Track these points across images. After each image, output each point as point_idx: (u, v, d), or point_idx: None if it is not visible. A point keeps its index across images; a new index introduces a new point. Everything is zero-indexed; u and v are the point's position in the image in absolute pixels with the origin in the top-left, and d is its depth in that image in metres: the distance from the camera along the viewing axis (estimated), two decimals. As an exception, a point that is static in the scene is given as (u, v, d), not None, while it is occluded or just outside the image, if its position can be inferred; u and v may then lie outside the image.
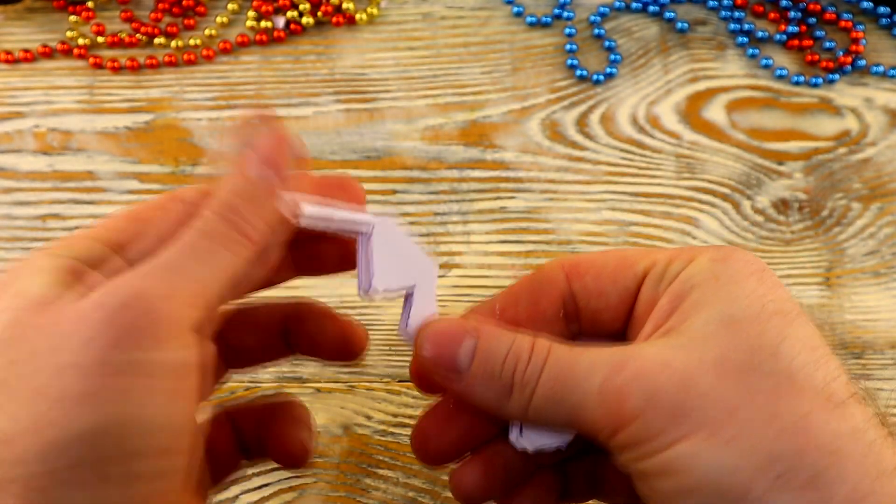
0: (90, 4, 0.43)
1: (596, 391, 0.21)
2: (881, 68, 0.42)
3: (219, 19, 0.43)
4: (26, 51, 0.41)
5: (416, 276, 0.26)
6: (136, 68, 0.41)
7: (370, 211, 0.25)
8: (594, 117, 0.41)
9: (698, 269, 0.23)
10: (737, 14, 0.43)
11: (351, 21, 0.43)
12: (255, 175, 0.23)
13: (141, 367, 0.19)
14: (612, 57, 0.42)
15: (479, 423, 0.26)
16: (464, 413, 0.25)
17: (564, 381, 0.22)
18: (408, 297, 0.26)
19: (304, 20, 0.42)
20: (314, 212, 0.24)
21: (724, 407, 0.20)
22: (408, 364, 0.36)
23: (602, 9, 0.43)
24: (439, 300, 0.35)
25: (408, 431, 0.35)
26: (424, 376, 0.27)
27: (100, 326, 0.19)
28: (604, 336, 0.26)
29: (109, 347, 0.19)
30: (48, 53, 0.42)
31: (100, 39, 0.42)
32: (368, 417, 0.36)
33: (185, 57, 0.42)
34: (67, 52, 0.42)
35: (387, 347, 0.37)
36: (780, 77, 0.42)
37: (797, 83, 0.42)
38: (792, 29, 0.43)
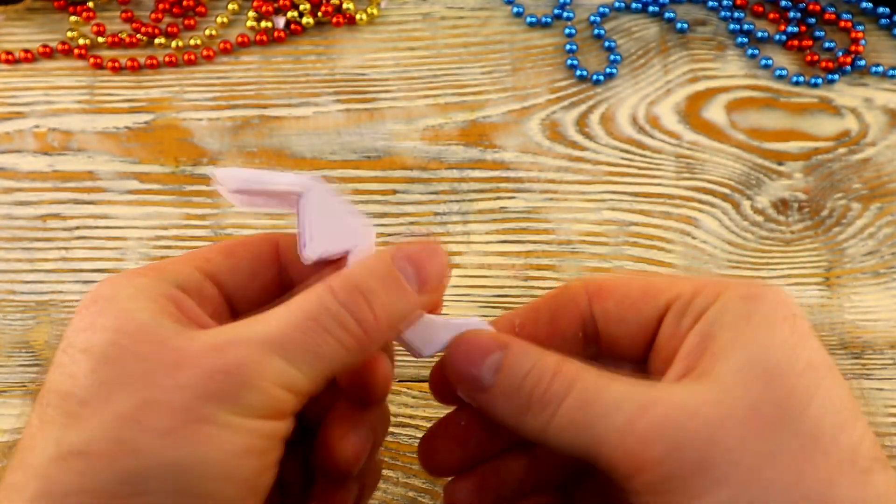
0: (90, 5, 0.43)
1: (619, 428, 0.21)
2: (881, 68, 0.42)
3: (219, 19, 0.43)
4: (27, 51, 0.41)
5: (352, 240, 0.25)
6: (136, 68, 0.41)
7: (306, 176, 0.25)
8: (594, 117, 0.41)
9: (728, 308, 0.22)
10: (737, 14, 0.43)
11: (351, 21, 0.43)
12: (400, 266, 0.23)
13: (228, 424, 0.20)
14: (612, 57, 0.42)
15: (487, 440, 0.25)
16: (474, 430, 0.25)
17: (587, 410, 0.22)
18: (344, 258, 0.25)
19: (305, 20, 0.42)
20: (247, 175, 0.24)
21: (749, 465, 0.20)
22: (408, 365, 0.36)
23: (602, 9, 0.43)
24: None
25: (408, 431, 0.35)
26: (444, 385, 0.26)
27: (198, 379, 0.20)
28: (622, 361, 0.25)
29: (202, 399, 0.19)
30: (48, 53, 0.42)
31: (100, 40, 0.42)
32: (368, 417, 0.36)
33: (186, 57, 0.42)
34: (68, 53, 0.42)
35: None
36: (780, 77, 0.42)
37: (797, 83, 0.42)
38: (792, 29, 0.43)
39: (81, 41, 0.42)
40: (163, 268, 0.23)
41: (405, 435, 0.35)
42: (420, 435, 0.34)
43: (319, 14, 0.43)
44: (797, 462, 0.20)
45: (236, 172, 0.24)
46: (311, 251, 0.24)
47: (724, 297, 0.22)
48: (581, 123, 0.41)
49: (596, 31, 0.43)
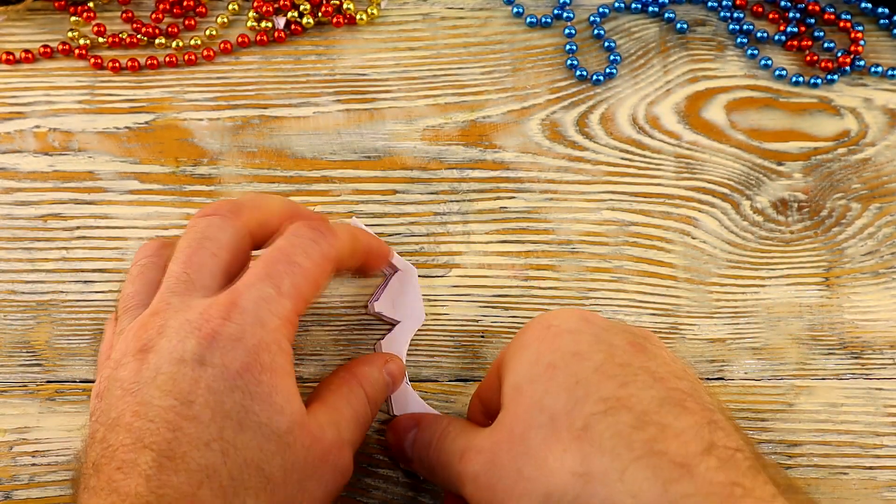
0: (91, 5, 0.43)
1: (456, 471, 0.28)
2: (880, 69, 0.42)
3: (219, 20, 0.43)
4: (27, 51, 0.42)
5: (405, 317, 0.36)
6: (136, 69, 0.41)
7: (401, 258, 0.37)
8: (594, 117, 0.41)
9: (509, 371, 0.28)
10: (736, 14, 0.43)
11: (351, 21, 0.43)
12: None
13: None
14: (612, 57, 0.42)
15: None
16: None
17: (440, 459, 0.30)
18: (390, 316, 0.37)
19: (305, 20, 0.43)
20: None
21: (508, 469, 0.26)
22: (408, 365, 0.36)
23: (602, 9, 0.43)
24: (440, 300, 0.37)
25: (408, 431, 0.35)
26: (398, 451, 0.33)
27: (325, 470, 0.29)
28: None
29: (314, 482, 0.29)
30: (49, 54, 0.42)
31: (100, 40, 0.42)
32: (369, 417, 0.36)
33: (186, 57, 0.42)
34: (68, 53, 0.42)
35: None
36: (780, 77, 0.42)
37: (796, 83, 0.42)
38: (791, 29, 0.43)
39: (82, 41, 0.42)
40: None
41: (405, 435, 0.35)
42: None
43: (320, 14, 0.43)
44: (521, 462, 0.25)
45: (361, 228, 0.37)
46: (378, 307, 0.36)
47: (510, 364, 0.28)
48: (581, 123, 0.41)
49: (596, 32, 0.43)
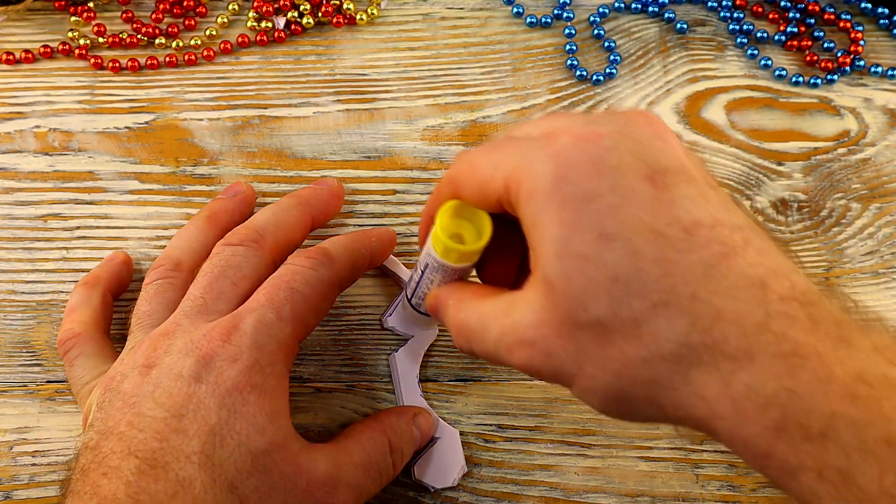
0: (91, 5, 0.43)
1: (506, 360, 0.25)
2: (880, 69, 0.42)
3: (219, 20, 0.43)
4: (27, 51, 0.42)
5: (417, 331, 0.36)
6: (136, 69, 0.41)
7: (410, 270, 0.36)
8: (594, 117, 0.41)
9: (533, 195, 0.24)
10: (736, 14, 0.43)
11: (351, 21, 0.43)
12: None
13: None
14: (612, 57, 0.42)
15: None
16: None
17: (471, 339, 0.27)
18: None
19: (305, 20, 0.43)
20: (389, 262, 0.37)
21: (573, 366, 0.24)
22: (408, 364, 0.36)
23: (602, 9, 0.43)
24: None
25: (408, 431, 0.35)
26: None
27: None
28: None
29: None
30: (49, 54, 0.42)
31: (101, 40, 0.42)
32: (369, 417, 0.36)
33: (186, 57, 0.42)
34: (68, 53, 0.42)
35: (387, 348, 0.37)
36: (780, 77, 0.42)
37: (796, 83, 0.42)
38: (791, 29, 0.43)
39: (82, 41, 0.42)
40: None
41: (405, 434, 0.35)
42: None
43: (320, 14, 0.43)
44: (603, 349, 0.23)
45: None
46: (391, 322, 0.36)
47: (528, 183, 0.24)
48: (581, 123, 0.41)
49: (596, 32, 0.43)
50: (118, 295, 0.37)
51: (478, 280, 0.30)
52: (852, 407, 0.21)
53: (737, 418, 0.22)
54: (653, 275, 0.22)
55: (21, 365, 0.36)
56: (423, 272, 0.29)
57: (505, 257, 0.29)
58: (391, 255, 0.37)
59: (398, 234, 0.38)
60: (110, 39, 0.42)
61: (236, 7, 0.43)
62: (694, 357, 0.22)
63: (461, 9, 0.44)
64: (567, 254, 0.23)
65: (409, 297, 0.32)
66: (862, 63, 0.42)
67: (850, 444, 0.20)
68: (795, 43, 0.43)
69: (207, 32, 0.42)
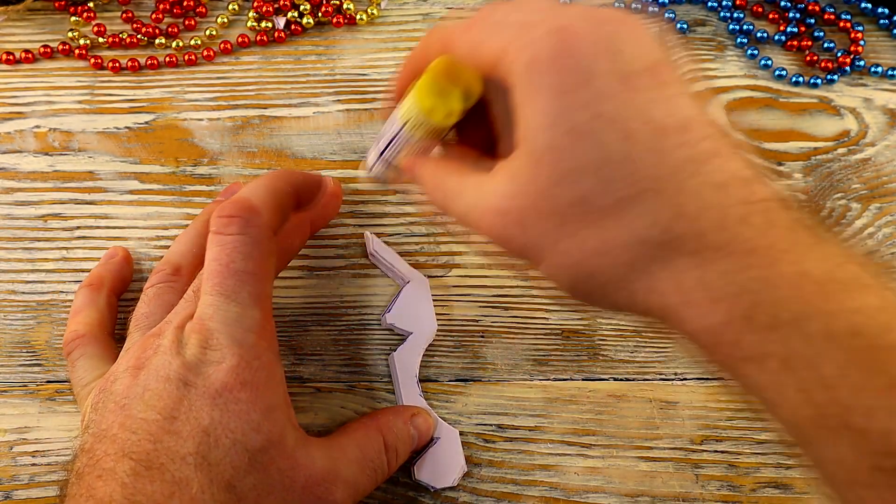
0: (91, 5, 0.43)
1: (464, 210, 0.26)
2: (880, 69, 0.42)
3: (219, 20, 0.43)
4: (27, 51, 0.42)
5: (417, 329, 0.36)
6: (136, 69, 0.41)
7: (413, 269, 0.37)
8: (594, 117, 0.41)
9: (531, 67, 0.23)
10: (736, 14, 0.43)
11: (351, 21, 0.43)
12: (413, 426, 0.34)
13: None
14: (612, 57, 0.42)
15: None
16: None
17: (446, 197, 0.27)
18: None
19: (305, 20, 0.43)
20: (385, 250, 0.37)
21: (546, 241, 0.24)
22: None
23: (602, 9, 0.43)
24: (440, 300, 0.37)
25: (408, 431, 0.35)
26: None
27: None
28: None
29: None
30: (49, 54, 0.42)
31: (101, 40, 0.42)
32: (369, 417, 0.36)
33: (186, 57, 0.42)
34: (68, 53, 0.42)
35: (387, 348, 0.37)
36: (780, 77, 0.42)
37: (796, 83, 0.42)
38: (791, 29, 0.43)
39: (82, 41, 0.42)
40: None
41: (405, 434, 0.35)
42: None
43: (320, 14, 0.43)
44: (579, 229, 0.23)
45: (380, 244, 0.37)
46: (390, 319, 0.36)
47: (529, 51, 0.23)
48: (581, 123, 0.41)
49: (596, 32, 0.43)
50: (121, 293, 0.37)
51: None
52: (822, 300, 0.21)
53: (709, 305, 0.22)
54: (646, 162, 0.22)
55: (21, 365, 0.36)
56: (400, 129, 0.28)
57: (478, 129, 0.29)
58: (389, 248, 0.37)
59: (398, 233, 0.38)
60: (110, 39, 0.42)
61: (236, 7, 0.43)
62: (676, 244, 0.22)
63: (461, 9, 0.44)
64: (561, 127, 0.23)
65: (379, 150, 0.30)
66: (862, 63, 0.42)
67: (818, 333, 0.21)
68: (795, 43, 0.43)
69: (207, 32, 0.42)
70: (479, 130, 0.29)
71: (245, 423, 0.27)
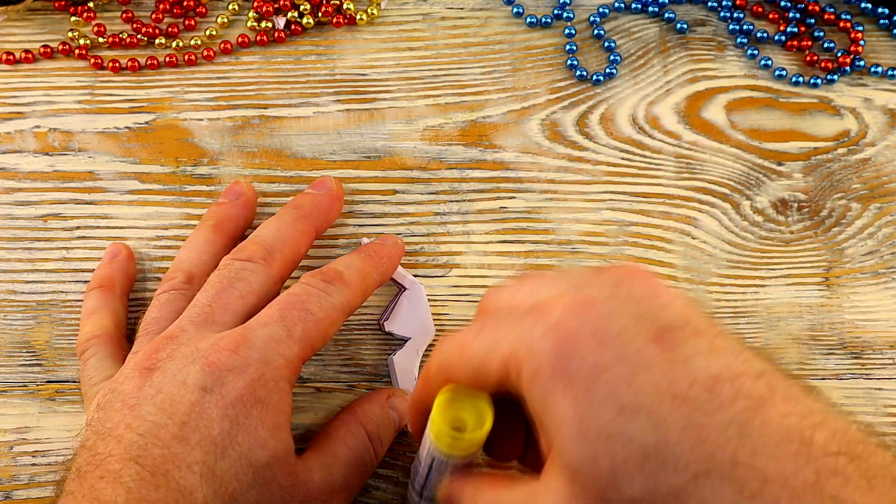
0: (91, 5, 0.43)
1: None
2: (880, 69, 0.42)
3: (219, 20, 0.43)
4: (27, 51, 0.42)
5: (415, 333, 0.36)
6: (136, 69, 0.41)
7: (409, 275, 0.37)
8: (594, 117, 0.41)
9: (535, 381, 0.22)
10: (736, 14, 0.43)
11: (351, 21, 0.43)
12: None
13: None
14: (612, 57, 0.42)
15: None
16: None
17: None
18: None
19: (305, 20, 0.43)
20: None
21: None
22: (408, 364, 0.36)
23: (602, 9, 0.43)
24: (440, 300, 0.37)
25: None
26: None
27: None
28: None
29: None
30: (49, 54, 0.42)
31: (101, 40, 0.42)
32: (369, 417, 0.36)
33: (186, 57, 0.42)
34: (68, 53, 0.42)
35: (386, 348, 0.37)
36: (780, 77, 0.42)
37: (796, 83, 0.42)
38: (791, 29, 0.43)
39: (82, 41, 0.42)
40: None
41: (405, 434, 0.35)
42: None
43: (320, 14, 0.43)
44: None
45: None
46: (389, 325, 0.36)
47: (529, 364, 0.22)
48: (581, 123, 0.41)
49: (596, 32, 0.43)
50: (129, 292, 0.37)
51: (486, 462, 0.28)
52: None
53: None
54: (686, 444, 0.20)
55: (21, 365, 0.36)
56: (429, 468, 0.27)
57: (510, 431, 0.27)
58: None
59: (398, 234, 0.38)
60: (110, 39, 0.42)
61: (236, 7, 0.43)
62: None
63: (461, 9, 0.44)
64: (587, 434, 0.21)
65: (417, 492, 0.29)
66: (862, 63, 0.42)
67: None
68: (795, 43, 0.43)
69: (207, 32, 0.42)
70: (511, 435, 0.27)
71: (252, 439, 0.28)
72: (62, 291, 0.37)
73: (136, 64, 0.41)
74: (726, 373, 0.21)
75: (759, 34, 0.43)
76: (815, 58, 0.43)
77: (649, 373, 0.21)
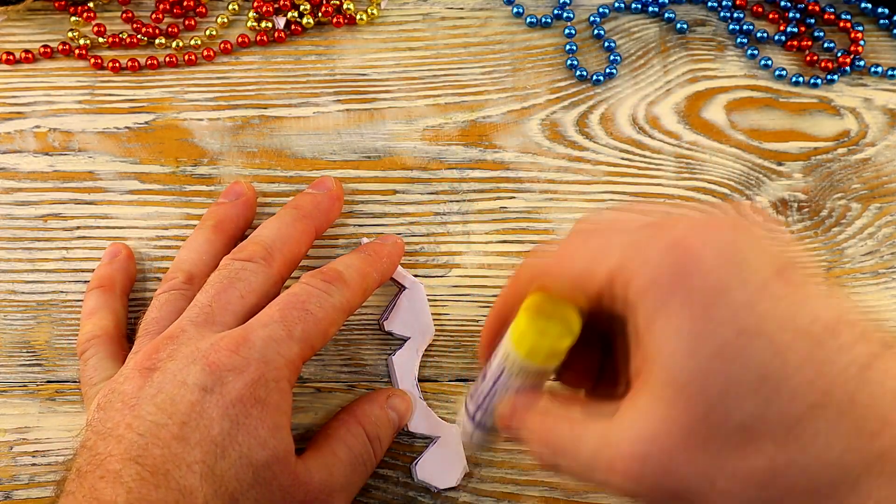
0: (91, 5, 0.43)
1: (587, 463, 0.23)
2: (880, 69, 0.42)
3: (219, 20, 0.43)
4: (27, 51, 0.42)
5: (415, 333, 0.36)
6: (136, 69, 0.41)
7: (408, 274, 0.37)
8: (594, 117, 0.41)
9: (647, 293, 0.21)
10: (736, 14, 0.43)
11: (351, 21, 0.43)
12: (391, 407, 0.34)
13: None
14: (612, 57, 0.42)
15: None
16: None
17: (559, 452, 0.24)
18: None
19: (305, 20, 0.43)
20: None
21: (703, 483, 0.21)
22: (408, 364, 0.36)
23: (602, 9, 0.43)
24: (440, 300, 0.37)
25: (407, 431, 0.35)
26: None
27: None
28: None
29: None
30: (49, 54, 0.42)
31: (101, 40, 0.42)
32: (369, 417, 0.36)
33: (186, 57, 0.42)
34: (68, 53, 0.42)
35: (386, 348, 0.37)
36: (780, 77, 0.42)
37: (796, 83, 0.42)
38: (791, 29, 0.43)
39: (82, 41, 0.42)
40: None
41: (405, 434, 0.35)
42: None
43: (320, 14, 0.43)
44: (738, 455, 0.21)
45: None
46: (389, 325, 0.36)
47: (643, 275, 0.21)
48: (581, 123, 0.41)
49: (596, 32, 0.43)
50: (129, 292, 0.37)
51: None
52: None
53: None
54: (805, 375, 0.20)
55: (21, 365, 0.36)
56: (495, 381, 0.26)
57: (585, 358, 0.27)
58: None
59: (398, 234, 0.38)
60: (110, 39, 0.42)
61: (236, 7, 0.43)
62: (862, 464, 0.20)
63: (461, 9, 0.44)
64: (701, 351, 0.20)
65: (471, 413, 0.28)
66: (862, 63, 0.42)
67: None
68: (795, 43, 0.43)
69: (207, 32, 0.42)
70: (579, 366, 0.27)
71: (253, 438, 0.28)
72: (62, 291, 0.37)
73: (136, 64, 0.41)
74: (847, 317, 0.21)
75: (759, 34, 0.43)
76: (815, 58, 0.43)
77: (772, 302, 0.21)
